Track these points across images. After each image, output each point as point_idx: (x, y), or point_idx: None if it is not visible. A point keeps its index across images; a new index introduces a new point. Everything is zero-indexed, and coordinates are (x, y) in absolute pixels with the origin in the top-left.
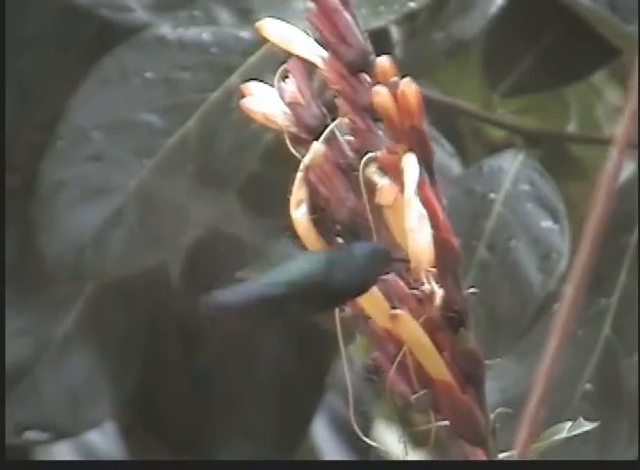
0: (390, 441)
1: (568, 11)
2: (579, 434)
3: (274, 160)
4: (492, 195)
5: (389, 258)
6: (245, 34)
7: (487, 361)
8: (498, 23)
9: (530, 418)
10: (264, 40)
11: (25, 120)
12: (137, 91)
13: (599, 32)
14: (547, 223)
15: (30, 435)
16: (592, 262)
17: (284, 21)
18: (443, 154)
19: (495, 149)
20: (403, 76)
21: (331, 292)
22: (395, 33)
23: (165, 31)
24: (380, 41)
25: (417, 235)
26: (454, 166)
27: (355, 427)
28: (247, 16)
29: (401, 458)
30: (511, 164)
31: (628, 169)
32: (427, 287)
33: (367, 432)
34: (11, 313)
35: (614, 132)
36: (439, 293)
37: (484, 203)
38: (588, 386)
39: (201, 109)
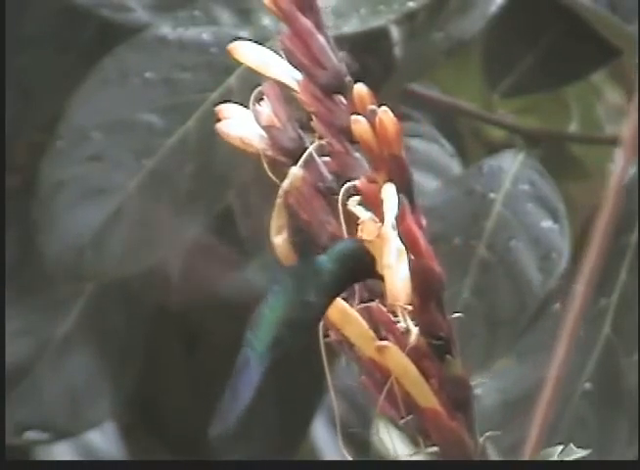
0: (389, 440)
1: (568, 11)
2: (579, 434)
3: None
4: (492, 195)
5: (363, 255)
6: (245, 34)
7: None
8: (498, 23)
9: (540, 420)
10: (264, 40)
11: (25, 120)
12: (137, 91)
13: (599, 32)
14: (547, 223)
15: (30, 435)
16: (600, 264)
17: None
18: (443, 154)
19: (495, 149)
20: (380, 106)
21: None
22: (395, 33)
23: (165, 31)
24: (379, 41)
25: (394, 272)
26: (454, 166)
27: (343, 450)
28: (247, 16)
29: (398, 456)
30: (511, 164)
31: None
32: (402, 325)
33: (367, 432)
34: (11, 313)
35: (614, 132)
36: (414, 330)
37: (484, 203)
38: (588, 385)
39: (200, 109)
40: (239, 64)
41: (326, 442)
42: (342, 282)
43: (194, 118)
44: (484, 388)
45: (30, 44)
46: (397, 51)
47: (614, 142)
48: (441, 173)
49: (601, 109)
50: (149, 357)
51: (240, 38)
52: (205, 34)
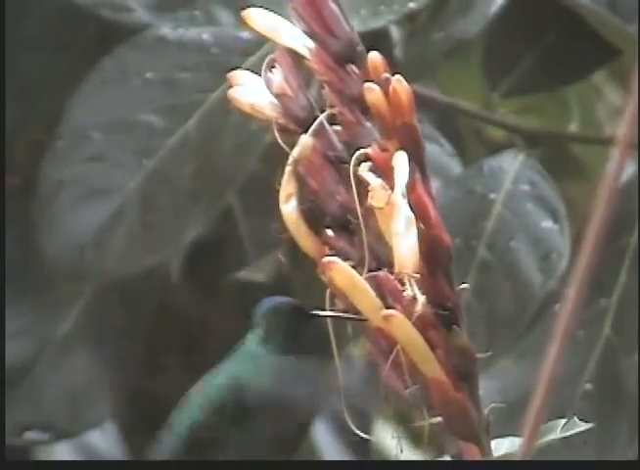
0: (389, 440)
1: (568, 11)
2: (579, 433)
3: (274, 160)
4: (492, 195)
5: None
6: (245, 34)
7: (481, 355)
8: (498, 23)
9: (533, 420)
10: (264, 40)
11: (25, 120)
12: (137, 91)
13: (599, 32)
14: (547, 223)
15: (31, 435)
16: (594, 264)
17: (279, 14)
18: (443, 154)
19: (495, 149)
20: (394, 74)
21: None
22: (396, 33)
23: (166, 32)
24: (380, 42)
25: (402, 240)
26: (454, 166)
27: (348, 419)
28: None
29: (398, 456)
30: (511, 165)
31: (628, 170)
32: (409, 293)
33: (367, 431)
34: (11, 313)
35: (614, 132)
36: (421, 299)
37: (485, 203)
38: (588, 385)
39: (201, 109)
40: (239, 64)
41: (326, 442)
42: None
43: (194, 118)
44: (484, 388)
45: (30, 44)
46: (398, 51)
47: (613, 142)
48: (441, 173)
49: (601, 109)
50: (149, 357)
51: (240, 38)
52: (206, 34)
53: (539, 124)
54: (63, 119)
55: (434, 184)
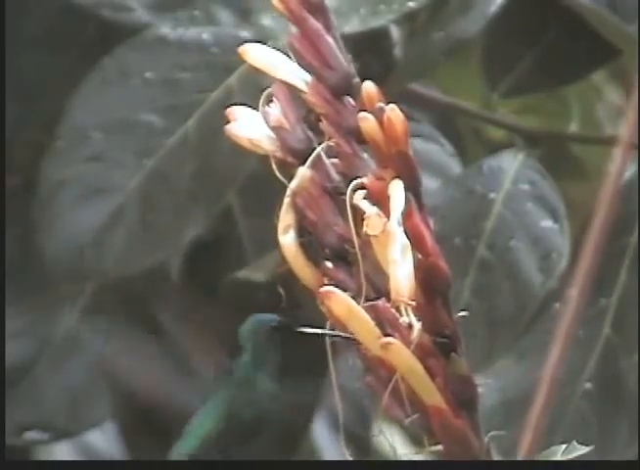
0: (389, 440)
1: (568, 11)
2: (579, 434)
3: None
4: (492, 195)
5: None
6: (244, 34)
7: (479, 383)
8: (498, 23)
9: (535, 422)
10: (264, 40)
11: (25, 120)
12: (137, 91)
13: (599, 32)
14: (547, 223)
15: (30, 435)
16: (596, 265)
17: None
18: (443, 153)
19: (495, 149)
20: (388, 103)
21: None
22: (395, 33)
23: (166, 31)
24: (380, 41)
25: (398, 267)
26: (454, 166)
27: (344, 450)
28: (246, 16)
29: (399, 456)
30: (511, 164)
31: (628, 170)
32: (405, 320)
33: (367, 431)
34: (11, 313)
35: (614, 132)
36: (417, 326)
37: (484, 202)
38: (588, 385)
39: (201, 109)
40: (239, 64)
41: (326, 442)
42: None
43: (194, 118)
44: (484, 388)
45: (30, 44)
46: (398, 51)
47: (614, 142)
48: (441, 173)
49: (601, 109)
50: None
51: (240, 38)
52: (206, 34)
53: (539, 124)
54: (63, 119)
55: (434, 184)
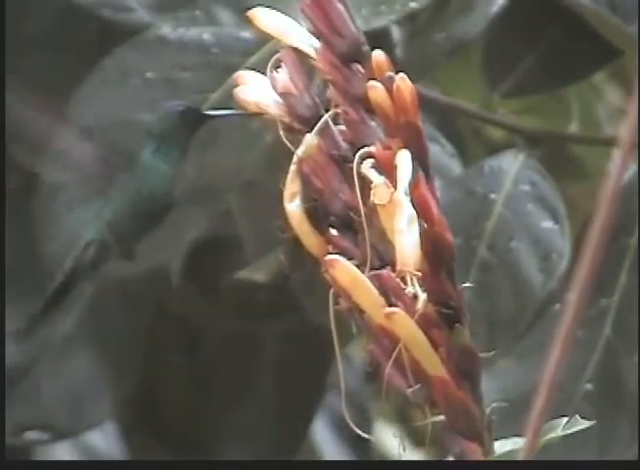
0: (390, 440)
1: (568, 11)
2: (579, 434)
3: (274, 160)
4: (493, 195)
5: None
6: (245, 35)
7: (484, 354)
8: (499, 24)
9: (535, 424)
10: (264, 40)
11: (26, 120)
12: (137, 91)
13: (599, 33)
14: (548, 224)
15: (30, 435)
16: (596, 267)
17: (282, 13)
18: (443, 154)
19: (496, 149)
20: (397, 72)
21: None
22: (396, 34)
23: (166, 32)
24: (381, 41)
25: (404, 237)
26: (454, 167)
27: (348, 419)
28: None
29: (399, 456)
30: (511, 165)
31: (629, 170)
32: (410, 290)
33: (367, 431)
34: (11, 313)
35: (614, 132)
36: (422, 297)
37: (485, 203)
38: (589, 386)
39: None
40: (240, 64)
41: (326, 442)
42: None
43: None
44: (484, 388)
45: (30, 44)
46: (399, 51)
47: (614, 142)
48: (442, 174)
49: (601, 109)
50: (149, 357)
51: (241, 38)
52: (206, 34)
53: (539, 124)
54: (63, 119)
55: (435, 184)
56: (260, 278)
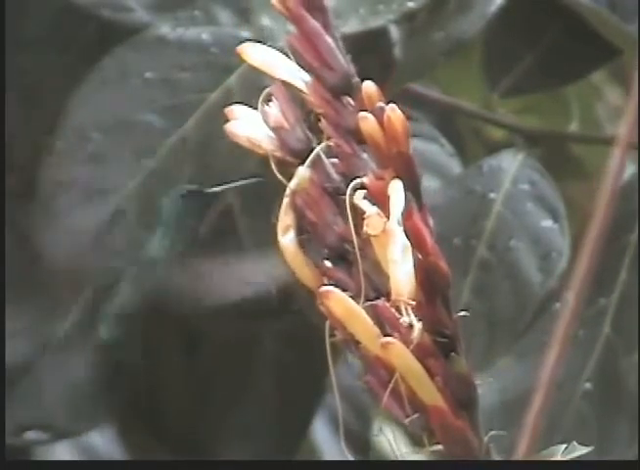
0: (390, 440)
1: (568, 11)
2: (579, 434)
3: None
4: (492, 195)
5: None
6: (244, 34)
7: (478, 382)
8: (498, 23)
9: (533, 422)
10: (264, 40)
11: (26, 120)
12: (137, 91)
13: (599, 32)
14: (547, 223)
15: (30, 435)
16: (594, 266)
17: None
18: (443, 154)
19: (495, 149)
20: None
21: None
22: (395, 33)
23: (165, 31)
24: (379, 41)
25: (398, 267)
26: (454, 166)
27: (344, 449)
28: (246, 16)
29: (399, 456)
30: (511, 164)
31: (629, 170)
32: (405, 320)
33: (367, 431)
34: (11, 313)
35: (614, 132)
36: (418, 326)
37: (484, 202)
38: (588, 385)
39: (200, 109)
40: (239, 64)
41: (326, 442)
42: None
43: (193, 118)
44: (484, 388)
45: (30, 44)
46: (397, 51)
47: (613, 142)
48: (441, 173)
49: (601, 109)
50: (149, 358)
51: (240, 38)
52: (205, 34)
53: (539, 124)
54: (62, 120)
55: (434, 184)
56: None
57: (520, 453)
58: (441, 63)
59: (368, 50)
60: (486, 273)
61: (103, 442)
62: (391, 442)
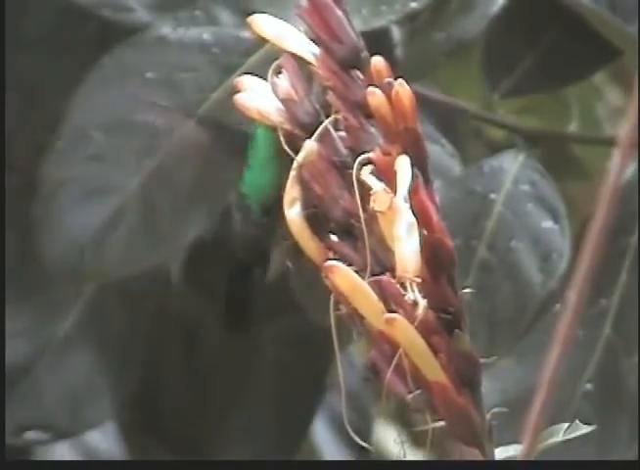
0: (390, 440)
1: (568, 11)
2: (579, 434)
3: None
4: (493, 195)
5: None
6: (245, 34)
7: (484, 360)
8: (499, 24)
9: (534, 424)
10: (264, 41)
11: (25, 120)
12: (137, 91)
13: (599, 33)
14: (547, 223)
15: (30, 435)
16: (594, 267)
17: (281, 18)
18: (443, 154)
19: (495, 149)
20: (397, 78)
21: None
22: (397, 33)
23: (166, 31)
24: (381, 41)
25: (404, 244)
26: (454, 166)
27: (347, 424)
28: (247, 16)
29: (400, 458)
30: (511, 165)
31: (629, 170)
32: (410, 297)
33: (367, 432)
34: (11, 313)
35: (614, 132)
36: (422, 303)
37: (485, 203)
38: (589, 386)
39: (201, 109)
40: (240, 64)
41: (326, 442)
42: None
43: (194, 119)
44: (484, 388)
45: (30, 44)
46: (399, 51)
47: (614, 142)
48: (442, 174)
49: (601, 109)
50: (149, 357)
51: (241, 38)
52: (206, 34)
53: (539, 124)
54: (63, 119)
55: (435, 184)
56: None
57: (521, 454)
58: (443, 63)
59: (370, 50)
60: (487, 274)
61: (103, 442)
62: (391, 441)
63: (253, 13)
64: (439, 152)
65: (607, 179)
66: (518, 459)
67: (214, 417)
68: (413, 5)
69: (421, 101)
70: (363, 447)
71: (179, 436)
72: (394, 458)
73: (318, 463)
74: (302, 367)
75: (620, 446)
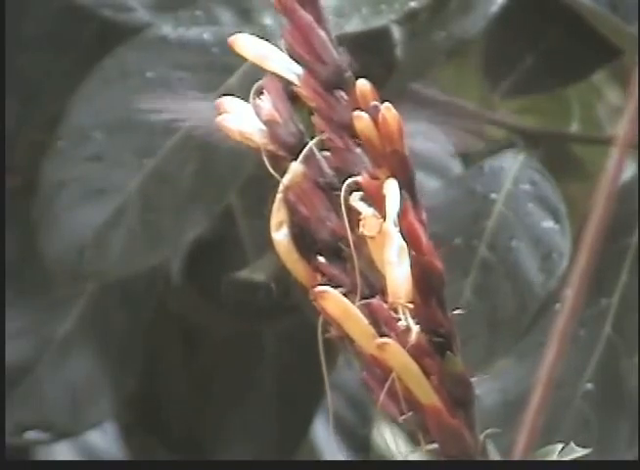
0: (390, 440)
1: (568, 11)
2: (579, 434)
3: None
4: (493, 195)
5: None
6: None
7: (474, 379)
8: (499, 23)
9: (531, 422)
10: (265, 40)
11: (25, 120)
12: (137, 91)
13: (600, 32)
14: (548, 223)
15: (31, 435)
16: (592, 266)
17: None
18: (443, 154)
19: (496, 149)
20: (383, 102)
21: None
22: (396, 33)
23: (166, 31)
24: (381, 41)
25: (395, 269)
26: (454, 166)
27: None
28: (248, 16)
29: (400, 458)
30: (512, 164)
31: (629, 170)
32: (403, 323)
33: (367, 432)
34: (11, 313)
35: (614, 132)
36: (415, 329)
37: (485, 203)
38: (589, 385)
39: None
40: (240, 64)
41: (326, 442)
42: None
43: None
44: (484, 388)
45: (30, 44)
46: (399, 51)
47: (614, 142)
48: (442, 173)
49: (601, 109)
50: (149, 357)
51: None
52: (207, 34)
53: (539, 124)
54: (63, 119)
55: (435, 184)
56: (260, 278)
57: (518, 453)
58: (442, 63)
59: (369, 50)
60: (487, 273)
61: (103, 442)
62: (391, 441)
63: (253, 12)
64: (439, 152)
65: (604, 178)
66: (517, 459)
67: (215, 417)
68: (413, 4)
69: (421, 101)
70: (363, 447)
71: (179, 436)
72: (394, 458)
73: (318, 463)
74: (302, 367)
75: (621, 446)
